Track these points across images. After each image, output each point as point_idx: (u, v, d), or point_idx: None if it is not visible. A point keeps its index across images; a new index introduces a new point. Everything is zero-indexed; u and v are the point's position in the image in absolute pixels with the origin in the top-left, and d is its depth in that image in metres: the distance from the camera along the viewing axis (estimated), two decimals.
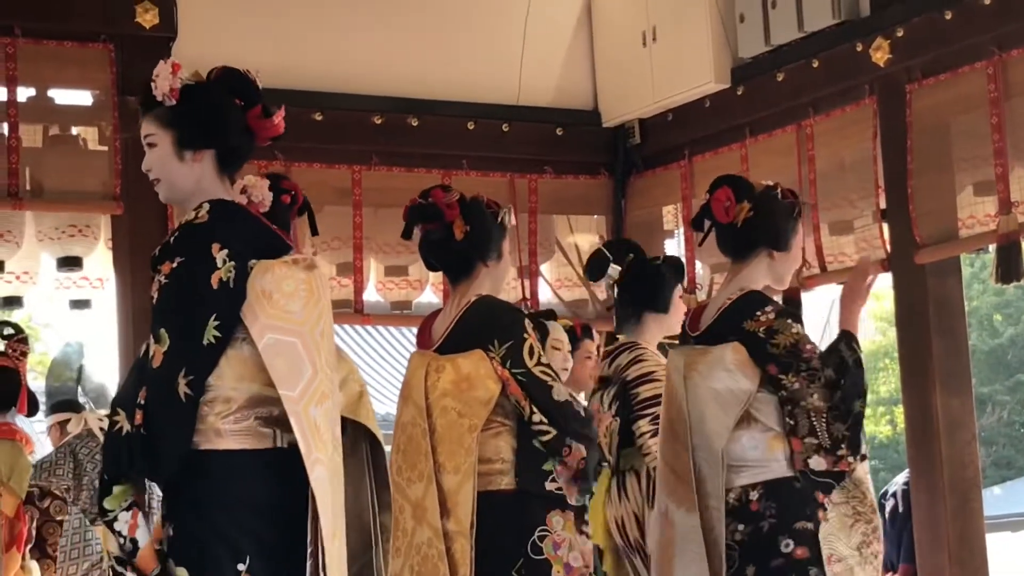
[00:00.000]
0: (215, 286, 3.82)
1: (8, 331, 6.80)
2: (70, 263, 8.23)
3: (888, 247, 7.84)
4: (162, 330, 3.83)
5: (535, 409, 4.93)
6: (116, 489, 3.87)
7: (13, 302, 8.64)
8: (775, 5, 8.35)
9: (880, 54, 7.86)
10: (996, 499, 20.81)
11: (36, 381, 8.28)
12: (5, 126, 7.74)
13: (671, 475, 5.08)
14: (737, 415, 4.97)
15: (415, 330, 5.43)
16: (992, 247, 7.38)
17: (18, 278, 8.46)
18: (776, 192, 5.24)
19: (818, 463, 4.95)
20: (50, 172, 7.86)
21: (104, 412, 7.09)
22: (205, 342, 3.81)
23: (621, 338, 6.27)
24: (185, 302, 3.85)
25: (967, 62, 7.48)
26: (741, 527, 4.99)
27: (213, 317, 3.81)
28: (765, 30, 8.43)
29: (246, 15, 8.41)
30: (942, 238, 7.61)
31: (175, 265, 3.86)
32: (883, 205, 7.87)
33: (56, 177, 7.87)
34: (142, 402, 3.81)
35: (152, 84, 3.98)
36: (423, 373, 5.01)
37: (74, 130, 8.09)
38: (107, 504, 3.88)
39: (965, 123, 7.57)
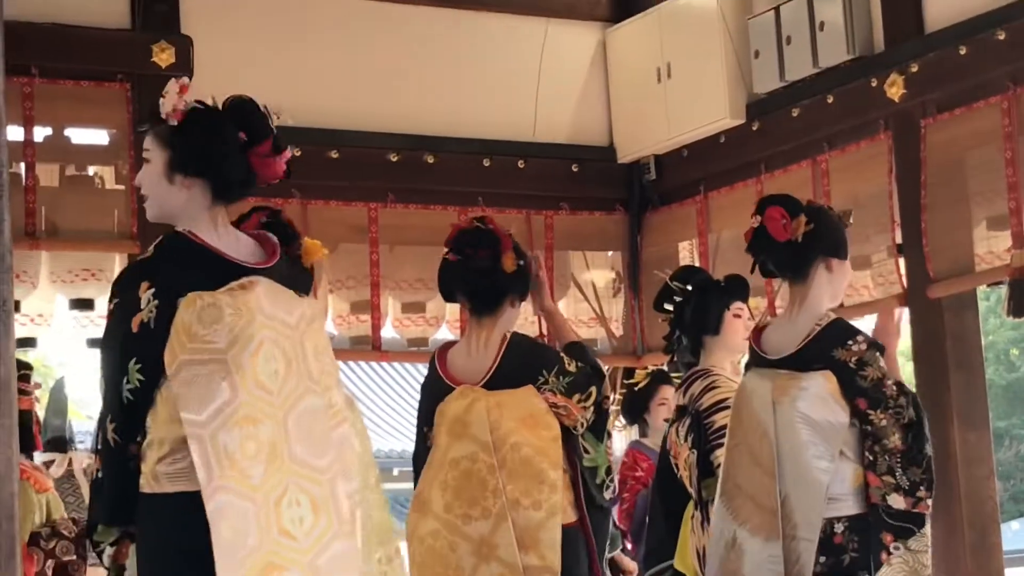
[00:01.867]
0: (135, 329, 3.77)
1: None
2: (82, 305, 8.23)
3: (904, 282, 7.83)
4: (100, 376, 3.84)
5: (594, 392, 5.01)
6: (100, 528, 3.88)
7: (27, 343, 8.64)
8: (790, 41, 8.36)
9: (895, 89, 7.87)
10: (1015, 534, 20.71)
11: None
12: (22, 166, 7.77)
13: (748, 502, 5.02)
14: (839, 446, 4.93)
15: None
16: (1006, 281, 7.37)
17: (32, 320, 8.46)
18: (821, 205, 5.25)
19: (896, 501, 4.89)
20: (67, 212, 7.89)
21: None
22: (130, 386, 3.76)
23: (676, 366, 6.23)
24: (109, 347, 3.84)
25: (981, 97, 7.49)
26: (823, 559, 4.93)
27: (133, 361, 3.76)
28: (780, 66, 8.44)
29: (262, 54, 8.45)
30: (957, 272, 7.60)
31: (111, 307, 3.86)
32: (899, 240, 7.86)
33: (73, 217, 7.90)
34: (99, 447, 3.84)
35: (160, 100, 3.95)
36: (483, 408, 4.96)
37: (91, 169, 8.12)
38: (96, 537, 3.90)
39: (979, 157, 7.57)
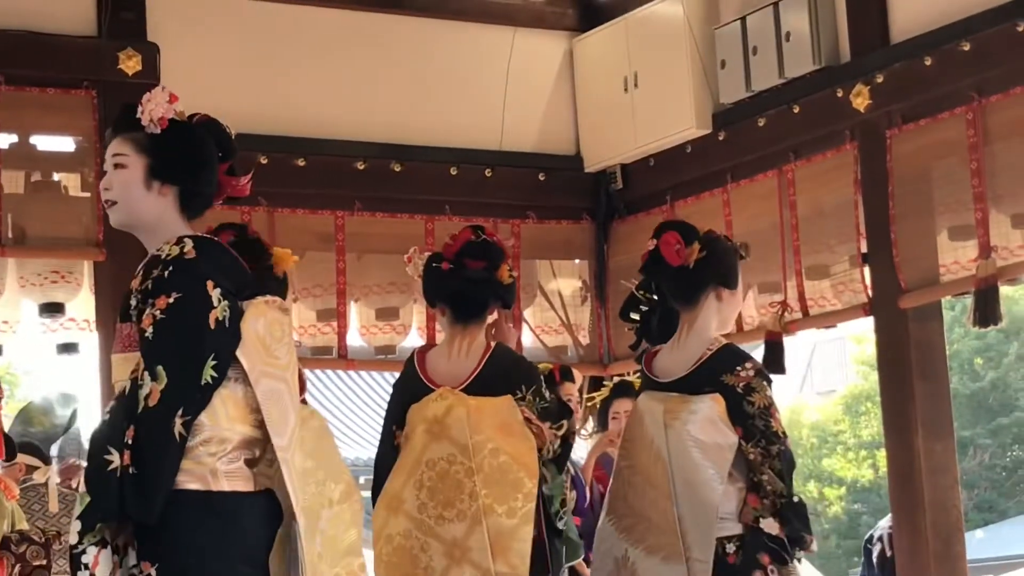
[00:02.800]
0: (213, 326, 3.76)
1: None
2: (52, 309, 8.20)
3: (870, 292, 7.86)
4: (159, 367, 3.76)
5: (565, 424, 5.11)
6: (98, 526, 3.79)
7: None
8: (756, 52, 8.39)
9: (860, 100, 7.90)
10: (979, 543, 20.77)
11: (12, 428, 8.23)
12: None
13: (642, 522, 5.05)
14: (727, 468, 4.97)
15: (397, 375, 5.40)
16: (971, 291, 7.40)
17: None
18: (718, 235, 5.30)
19: (770, 526, 4.95)
20: (32, 219, 7.87)
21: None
22: (202, 382, 3.75)
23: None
24: (183, 340, 3.78)
25: (947, 108, 7.53)
26: None
27: (212, 357, 3.75)
28: (746, 76, 8.47)
29: (229, 62, 8.44)
30: (923, 283, 7.63)
31: (172, 301, 3.77)
32: (864, 250, 7.90)
33: (38, 224, 7.87)
34: (130, 441, 3.75)
35: (139, 107, 3.92)
36: (463, 412, 5.00)
37: (56, 176, 8.10)
38: (85, 537, 3.79)
39: (945, 168, 7.61)
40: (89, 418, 7.72)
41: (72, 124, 8.00)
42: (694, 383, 5.08)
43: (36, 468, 7.42)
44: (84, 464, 4.07)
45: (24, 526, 6.66)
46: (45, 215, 7.90)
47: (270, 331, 3.84)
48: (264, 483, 3.85)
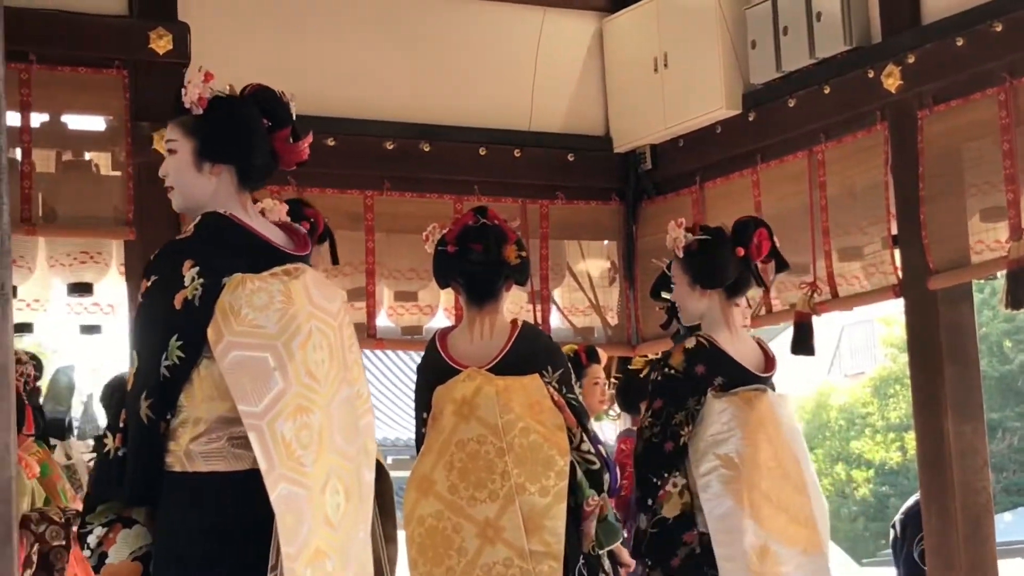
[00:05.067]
0: (178, 306, 3.76)
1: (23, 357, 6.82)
2: (80, 289, 8.24)
3: (900, 273, 7.84)
4: (134, 352, 3.82)
5: (585, 437, 5.02)
6: (100, 508, 3.85)
7: (23, 328, 8.63)
8: (786, 32, 8.36)
9: (891, 80, 7.87)
10: (1008, 525, 20.71)
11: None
12: (19, 151, 7.75)
13: (780, 514, 5.21)
14: None
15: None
16: (1002, 273, 7.38)
17: (28, 305, 8.46)
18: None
19: None
20: (63, 198, 7.89)
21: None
22: (168, 363, 3.76)
23: None
24: (149, 324, 3.81)
25: (978, 89, 7.49)
26: None
27: (175, 337, 3.76)
28: (776, 56, 8.44)
29: (259, 41, 8.45)
30: (954, 264, 7.61)
31: (149, 284, 3.83)
32: (894, 231, 7.87)
33: (69, 203, 7.89)
34: (122, 425, 3.82)
35: (183, 90, 3.94)
36: (492, 392, 4.99)
37: (87, 155, 8.11)
38: (88, 518, 3.86)
39: (976, 149, 7.57)
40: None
41: (103, 103, 8.01)
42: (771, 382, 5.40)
43: (54, 447, 7.43)
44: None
45: (44, 505, 6.68)
46: (76, 194, 7.92)
47: (249, 300, 3.76)
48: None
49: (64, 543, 6.47)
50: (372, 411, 4.01)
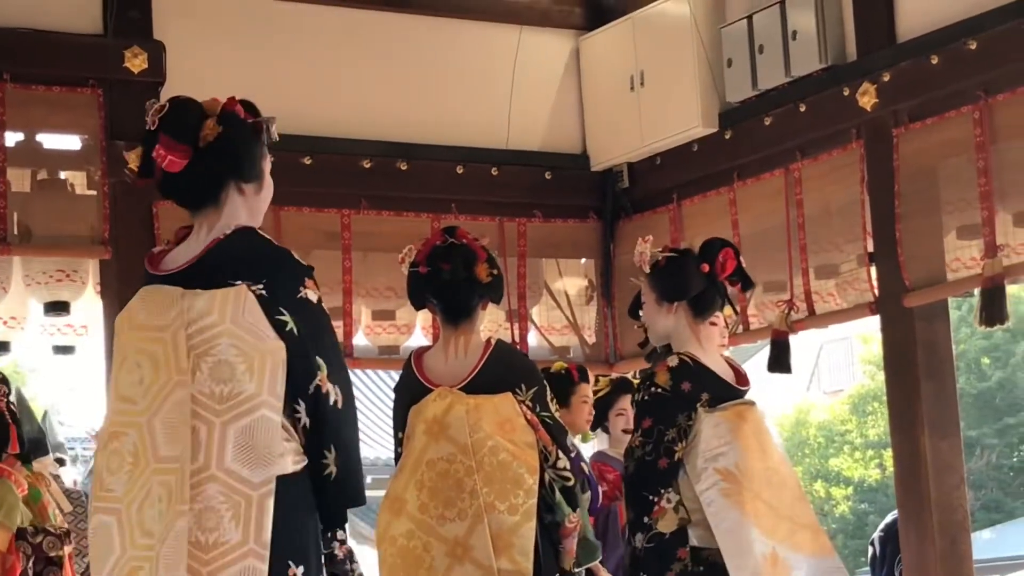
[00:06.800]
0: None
1: None
2: (57, 308, 8.22)
3: (876, 291, 7.86)
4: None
5: (560, 455, 5.00)
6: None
7: (1, 347, 8.62)
8: (762, 50, 8.38)
9: (867, 98, 7.89)
10: (985, 543, 20.76)
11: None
12: None
13: (784, 522, 5.26)
14: None
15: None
16: (977, 290, 7.40)
17: (5, 323, 8.44)
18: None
19: None
20: (38, 217, 7.87)
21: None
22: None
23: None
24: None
25: (954, 107, 7.51)
26: None
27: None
28: (752, 75, 8.46)
29: (235, 60, 8.43)
30: (930, 282, 7.62)
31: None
32: (870, 249, 7.89)
33: (44, 222, 7.87)
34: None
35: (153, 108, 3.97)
36: (462, 411, 4.98)
37: (62, 174, 8.10)
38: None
39: (952, 167, 7.60)
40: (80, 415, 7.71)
41: (78, 122, 7.99)
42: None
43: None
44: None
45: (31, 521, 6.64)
46: (51, 213, 7.90)
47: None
48: None
49: (60, 554, 6.45)
50: (261, 406, 3.77)
